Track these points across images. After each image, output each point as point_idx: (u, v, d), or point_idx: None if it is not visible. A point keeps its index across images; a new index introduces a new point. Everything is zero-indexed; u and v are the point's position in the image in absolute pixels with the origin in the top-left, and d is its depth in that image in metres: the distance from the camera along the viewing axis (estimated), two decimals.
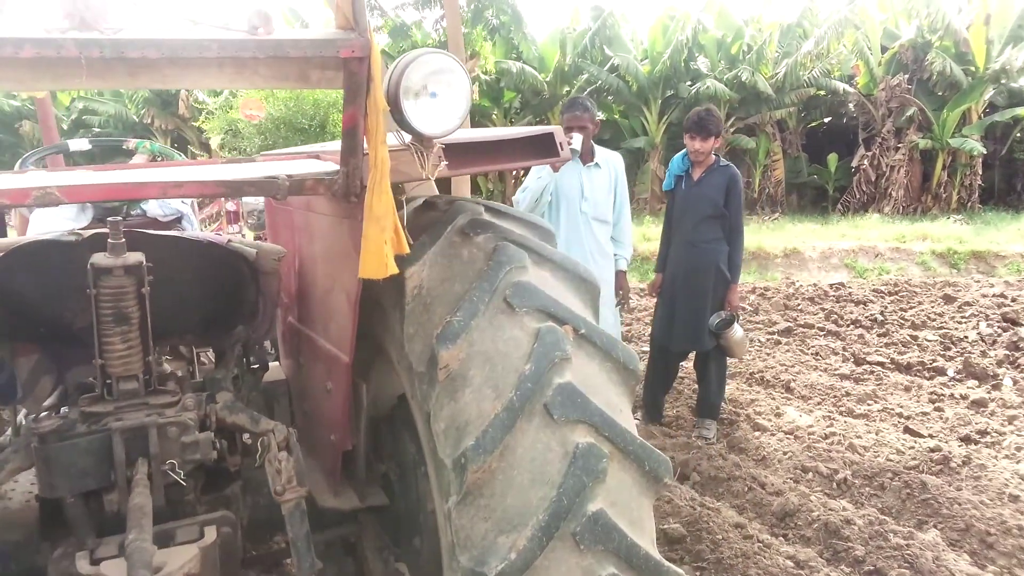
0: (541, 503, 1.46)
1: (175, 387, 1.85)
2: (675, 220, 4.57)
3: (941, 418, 4.76)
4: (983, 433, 4.50)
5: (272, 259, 1.94)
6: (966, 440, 4.45)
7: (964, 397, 5.12)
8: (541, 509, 1.46)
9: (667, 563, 1.58)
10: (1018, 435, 4.46)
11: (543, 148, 1.76)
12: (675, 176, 4.55)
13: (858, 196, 15.50)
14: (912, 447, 4.23)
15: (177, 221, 2.81)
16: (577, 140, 3.79)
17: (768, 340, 6.70)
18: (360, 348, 1.90)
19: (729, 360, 4.91)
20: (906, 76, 14.81)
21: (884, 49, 15.44)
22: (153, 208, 2.73)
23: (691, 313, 4.43)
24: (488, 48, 14.32)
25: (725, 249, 4.40)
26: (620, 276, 4.25)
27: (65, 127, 17.35)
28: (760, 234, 11.95)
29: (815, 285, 8.96)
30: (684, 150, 4.46)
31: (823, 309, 7.79)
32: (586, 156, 4.05)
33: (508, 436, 1.49)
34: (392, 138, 1.50)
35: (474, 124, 17.06)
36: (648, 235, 11.73)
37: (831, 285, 8.89)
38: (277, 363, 2.56)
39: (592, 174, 4.08)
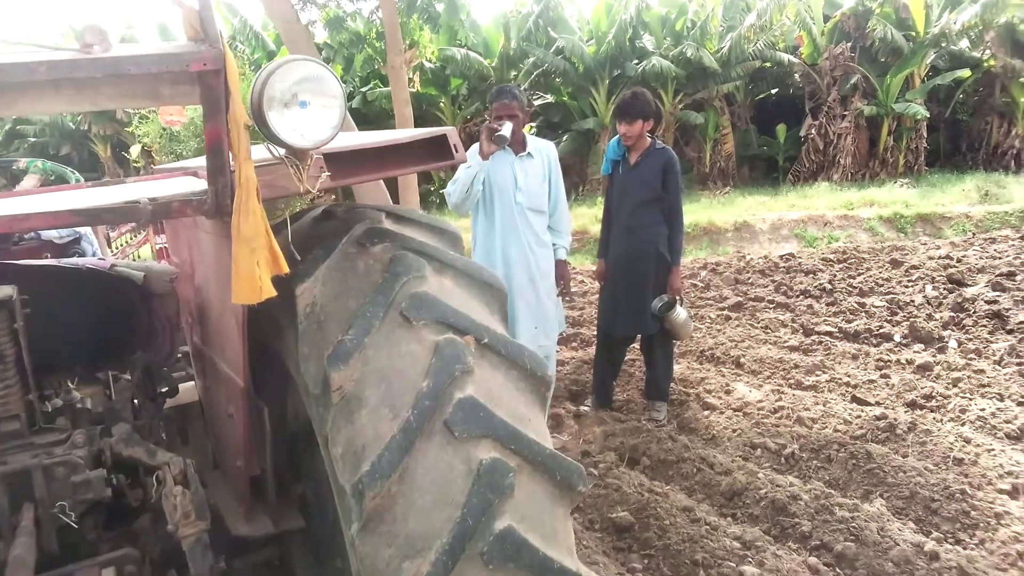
0: (445, 525, 1.40)
1: (66, 423, 1.75)
2: (614, 205, 4.53)
3: (888, 385, 4.81)
4: (928, 398, 4.57)
5: (164, 280, 1.85)
6: (912, 406, 4.51)
7: (910, 362, 5.19)
8: (445, 531, 1.40)
9: (585, 570, 1.54)
10: (962, 397, 4.53)
11: (437, 151, 1.69)
12: (612, 161, 4.51)
13: (807, 165, 15.68)
14: (859, 416, 4.27)
15: (75, 243, 2.68)
16: (507, 128, 3.69)
17: (719, 316, 6.73)
18: (271, 367, 1.82)
19: (678, 341, 4.92)
20: (849, 44, 14.96)
21: (827, 18, 15.58)
22: (48, 231, 2.60)
23: (633, 298, 4.41)
24: (427, 37, 14.11)
25: (665, 232, 4.37)
26: (560, 266, 4.19)
27: (0, 138, 16.77)
28: (711, 209, 12.02)
29: (765, 257, 9.04)
30: (619, 136, 4.42)
31: (773, 281, 7.86)
32: (517, 146, 3.97)
33: (407, 458, 1.42)
34: (262, 151, 1.42)
35: (421, 113, 16.87)
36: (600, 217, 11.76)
37: (781, 256, 8.97)
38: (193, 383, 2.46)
39: (525, 164, 4.01)
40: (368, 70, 15.68)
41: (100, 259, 2.16)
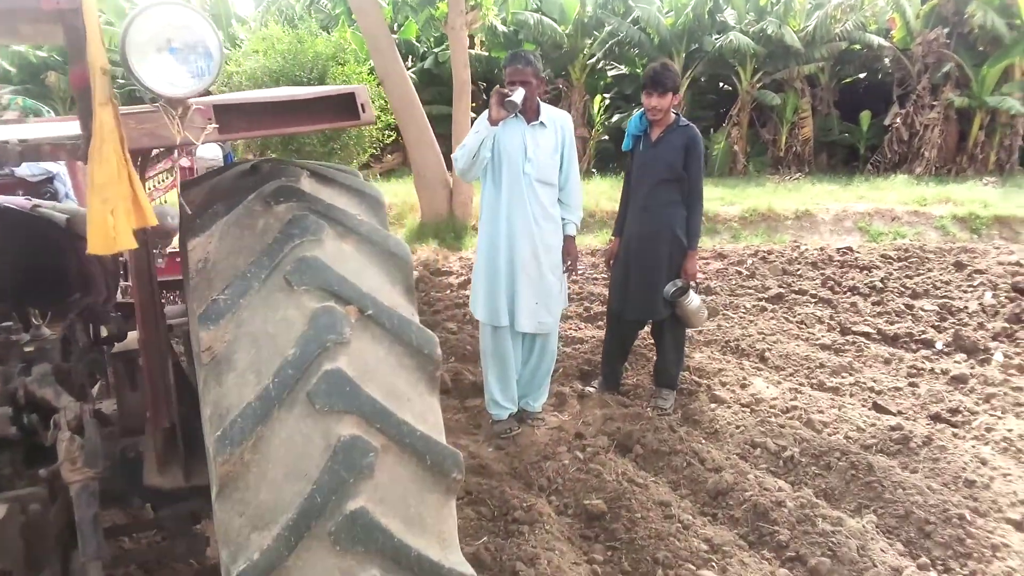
0: (294, 499, 1.36)
1: None
2: (632, 183, 4.36)
3: (914, 394, 4.53)
4: (954, 412, 4.27)
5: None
6: (935, 419, 4.23)
7: (945, 372, 4.87)
8: (293, 506, 1.35)
9: (449, 564, 1.46)
10: (991, 414, 4.22)
11: (343, 110, 1.61)
12: (633, 136, 4.32)
13: (889, 156, 14.83)
14: (874, 424, 4.04)
15: (48, 182, 2.72)
16: (519, 93, 3.57)
17: (754, 306, 6.47)
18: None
19: (690, 329, 4.74)
20: (945, 30, 13.98)
21: (923, 0, 14.59)
22: (23, 168, 2.65)
23: (645, 281, 4.25)
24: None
25: (683, 214, 4.18)
26: (568, 242, 4.07)
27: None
28: (775, 195, 11.54)
29: (821, 249, 8.63)
30: (643, 108, 4.23)
31: (823, 275, 7.50)
32: (530, 114, 3.83)
33: (262, 426, 1.38)
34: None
35: (492, 78, 16.71)
36: None
37: (838, 250, 8.55)
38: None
39: (536, 133, 3.88)
40: (440, 31, 15.60)
41: (27, 198, 2.17)
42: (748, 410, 4.33)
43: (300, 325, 1.45)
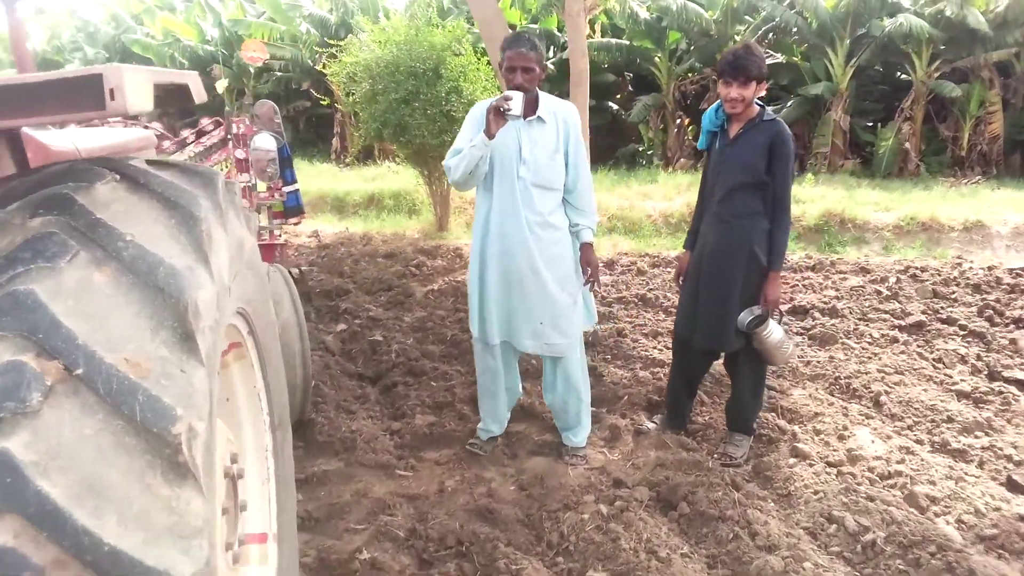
0: None
1: None
2: (706, 188, 3.68)
3: None
4: None
5: None
6: None
7: None
8: None
9: None
10: None
11: (86, 97, 1.21)
12: (709, 133, 3.64)
13: None
14: (999, 508, 3.15)
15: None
16: (517, 101, 3.10)
17: (883, 336, 5.47)
18: None
19: (772, 366, 3.98)
20: None
21: None
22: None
23: (715, 304, 3.57)
24: None
25: (764, 227, 3.46)
26: (586, 250, 3.53)
27: (252, 70, 18.56)
28: (943, 200, 10.04)
29: (989, 269, 7.29)
30: (718, 101, 3.54)
31: (983, 300, 6.27)
32: (527, 109, 3.30)
33: None
34: None
35: (634, 68, 15.95)
36: (812, 197, 10.26)
37: (1011, 270, 7.18)
38: None
39: (534, 132, 3.35)
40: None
41: None
42: (836, 471, 3.54)
43: None
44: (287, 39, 17.97)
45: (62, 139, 2.80)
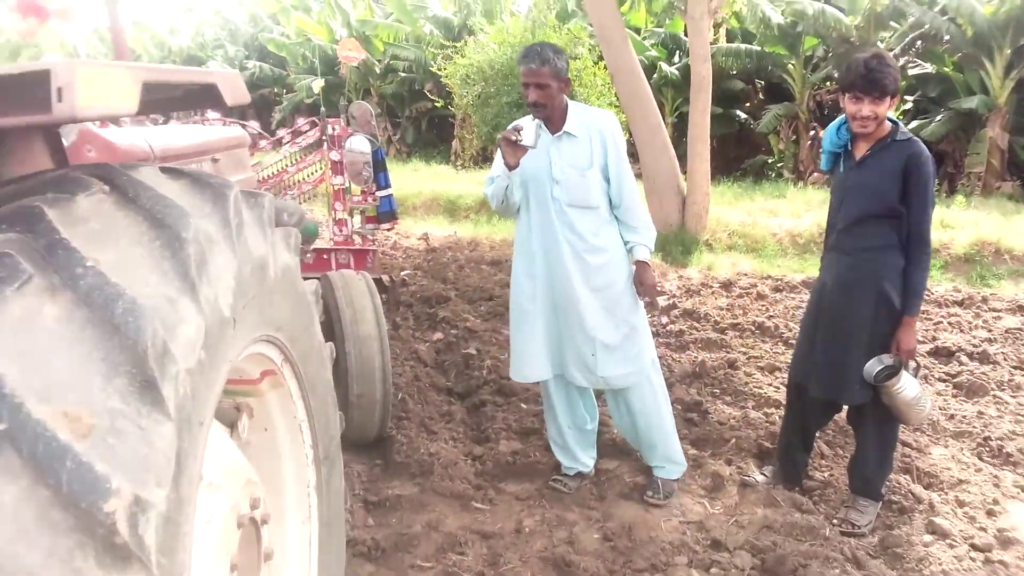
0: None
1: None
2: (830, 215, 3.18)
3: None
4: None
5: None
6: None
7: None
8: None
9: None
10: None
11: (29, 99, 0.98)
12: (831, 153, 3.14)
13: None
14: None
15: None
16: (529, 131, 2.93)
17: None
18: None
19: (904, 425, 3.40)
20: None
21: None
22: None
23: (836, 350, 3.08)
24: None
25: (896, 262, 2.94)
26: (641, 269, 3.22)
27: (378, 71, 19.00)
28: None
29: None
30: (842, 117, 3.04)
31: None
32: (555, 124, 3.09)
33: None
34: None
35: (765, 75, 15.09)
36: (963, 223, 9.16)
37: None
38: None
39: (563, 147, 3.09)
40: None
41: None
42: (983, 557, 2.96)
43: None
44: (411, 40, 18.25)
45: (135, 137, 2.69)
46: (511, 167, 3.01)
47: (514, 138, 2.94)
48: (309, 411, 1.92)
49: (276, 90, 21.61)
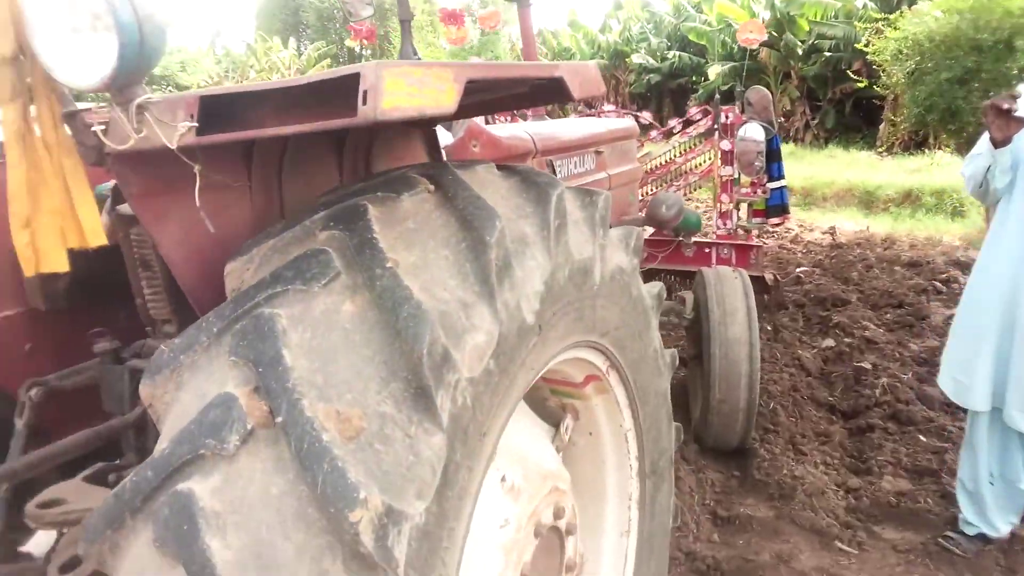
0: None
1: None
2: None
3: None
4: None
5: None
6: None
7: None
8: None
9: None
10: None
11: (341, 102, 1.01)
12: None
13: None
14: None
15: None
16: None
17: None
18: None
19: None
20: None
21: None
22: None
23: None
24: None
25: None
26: None
27: (800, 52, 17.85)
28: None
29: None
30: None
31: None
32: None
33: (113, 531, 1.01)
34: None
35: None
36: None
37: None
38: None
39: None
40: None
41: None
42: None
43: (193, 413, 1.01)
44: (841, 16, 16.72)
45: (519, 131, 2.87)
46: (998, 144, 2.46)
47: (1006, 106, 2.39)
48: (637, 421, 1.83)
49: (694, 79, 21.74)
